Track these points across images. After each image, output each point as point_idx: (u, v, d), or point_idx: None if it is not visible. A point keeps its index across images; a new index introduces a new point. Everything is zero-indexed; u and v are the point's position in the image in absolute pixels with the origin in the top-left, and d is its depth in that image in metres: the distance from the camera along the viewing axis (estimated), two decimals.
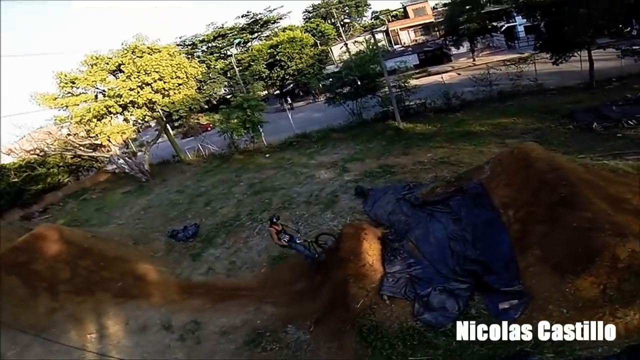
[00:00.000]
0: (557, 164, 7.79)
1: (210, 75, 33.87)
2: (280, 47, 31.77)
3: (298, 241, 9.18)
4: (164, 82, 20.49)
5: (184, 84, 22.04)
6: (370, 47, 24.13)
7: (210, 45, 36.64)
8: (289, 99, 35.69)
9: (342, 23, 46.96)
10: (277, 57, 31.87)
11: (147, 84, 19.73)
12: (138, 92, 19.46)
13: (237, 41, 33.45)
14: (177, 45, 36.29)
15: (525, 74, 20.34)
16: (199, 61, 34.99)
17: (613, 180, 7.88)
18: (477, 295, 6.58)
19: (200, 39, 36.77)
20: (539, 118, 16.50)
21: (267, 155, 20.74)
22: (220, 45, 35.10)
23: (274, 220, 9.26)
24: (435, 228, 8.34)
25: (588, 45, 18.54)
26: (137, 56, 20.27)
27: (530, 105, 18.25)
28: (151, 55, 20.80)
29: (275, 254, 10.83)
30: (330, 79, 23.41)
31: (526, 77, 20.25)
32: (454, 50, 33.72)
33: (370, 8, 50.63)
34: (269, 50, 32.42)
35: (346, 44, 33.70)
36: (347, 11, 46.94)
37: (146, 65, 19.45)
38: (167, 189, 20.06)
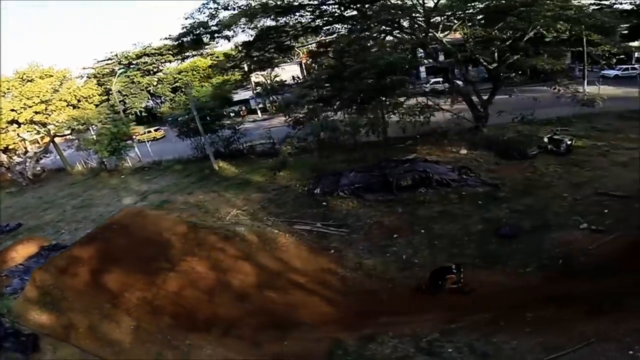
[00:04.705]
0: (130, 227, 14.92)
1: (132, 90, 42.19)
2: (182, 73, 39.52)
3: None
4: (48, 105, 28.60)
5: (71, 105, 30.17)
6: (271, 80, 31.99)
7: (137, 62, 45.13)
8: None
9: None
10: (178, 84, 39.72)
11: (29, 106, 27.84)
12: (19, 113, 27.58)
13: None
14: (108, 59, 45.20)
15: None
16: (125, 76, 43.73)
17: (209, 244, 14.62)
18: None
19: (126, 55, 45.31)
20: (305, 176, 21.33)
21: (123, 177, 28.26)
22: (148, 62, 43.34)
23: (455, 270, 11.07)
24: None
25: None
26: (28, 80, 28.44)
27: (313, 162, 23.25)
28: (43, 79, 29.03)
29: None
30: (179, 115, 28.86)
31: None
32: None
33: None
34: (175, 75, 40.32)
35: (250, 77, 41.27)
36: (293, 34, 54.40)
37: (28, 90, 27.56)
38: (34, 194, 27.90)
